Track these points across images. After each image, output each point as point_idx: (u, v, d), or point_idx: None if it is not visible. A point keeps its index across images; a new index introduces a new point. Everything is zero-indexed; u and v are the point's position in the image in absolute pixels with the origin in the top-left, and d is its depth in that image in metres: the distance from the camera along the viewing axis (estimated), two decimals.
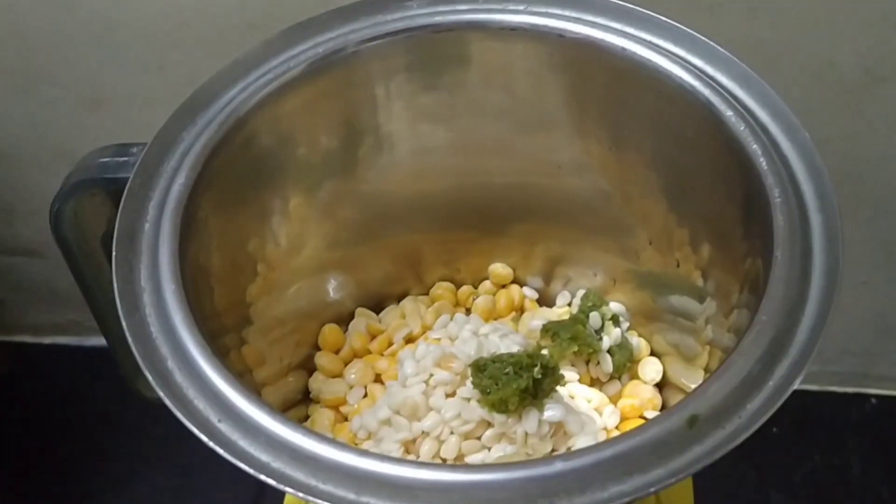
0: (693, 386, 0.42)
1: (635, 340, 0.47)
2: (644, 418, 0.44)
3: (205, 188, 0.37)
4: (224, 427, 0.31)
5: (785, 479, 0.72)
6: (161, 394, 0.31)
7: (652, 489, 0.28)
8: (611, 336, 0.45)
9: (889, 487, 0.71)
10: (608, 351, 0.45)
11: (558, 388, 0.40)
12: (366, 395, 0.45)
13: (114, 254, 0.35)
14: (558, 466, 0.28)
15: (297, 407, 0.47)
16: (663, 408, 0.45)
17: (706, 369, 0.42)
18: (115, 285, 0.34)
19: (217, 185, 0.38)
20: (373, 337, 0.48)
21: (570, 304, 0.50)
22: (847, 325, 0.71)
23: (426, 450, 0.39)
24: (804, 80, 0.56)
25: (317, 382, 0.47)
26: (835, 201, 0.34)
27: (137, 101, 0.62)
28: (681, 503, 0.48)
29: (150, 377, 0.32)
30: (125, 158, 0.39)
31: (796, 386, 0.30)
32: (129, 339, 0.33)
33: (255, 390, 0.40)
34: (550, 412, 0.39)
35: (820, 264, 0.33)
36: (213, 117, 0.38)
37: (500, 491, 0.28)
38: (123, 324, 0.33)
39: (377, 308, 0.50)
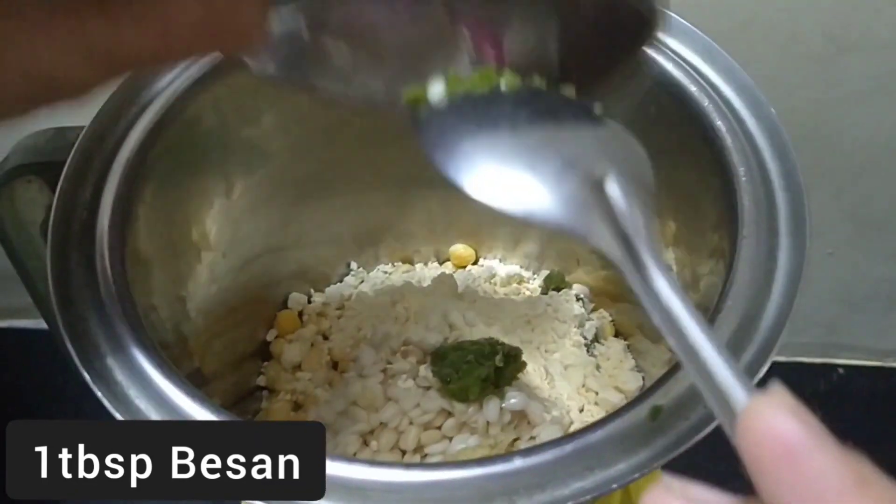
0: (658, 367, 0.42)
1: (599, 322, 0.46)
2: None
3: (145, 174, 0.35)
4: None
5: None
6: (99, 393, 0.30)
7: (615, 485, 0.27)
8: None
9: None
10: None
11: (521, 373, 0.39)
12: (323, 384, 0.44)
13: (49, 245, 0.33)
14: (517, 463, 0.27)
15: (254, 395, 0.45)
16: None
17: (672, 350, 0.41)
18: (50, 278, 0.32)
19: (157, 170, 0.36)
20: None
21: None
22: (814, 296, 0.71)
23: (384, 441, 0.38)
24: (770, 50, 0.55)
25: (273, 370, 0.45)
26: (801, 180, 0.33)
27: None
28: (649, 475, 0.48)
29: (86, 376, 0.30)
30: (62, 143, 0.37)
31: (762, 374, 0.29)
32: (65, 336, 0.31)
33: (204, 382, 0.38)
34: (512, 400, 0.37)
35: (786, 245, 0.32)
36: (152, 99, 0.36)
37: (457, 490, 0.27)
38: (58, 319, 0.32)
39: None
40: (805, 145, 0.60)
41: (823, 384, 0.75)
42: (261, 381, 0.45)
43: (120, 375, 0.30)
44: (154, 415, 0.29)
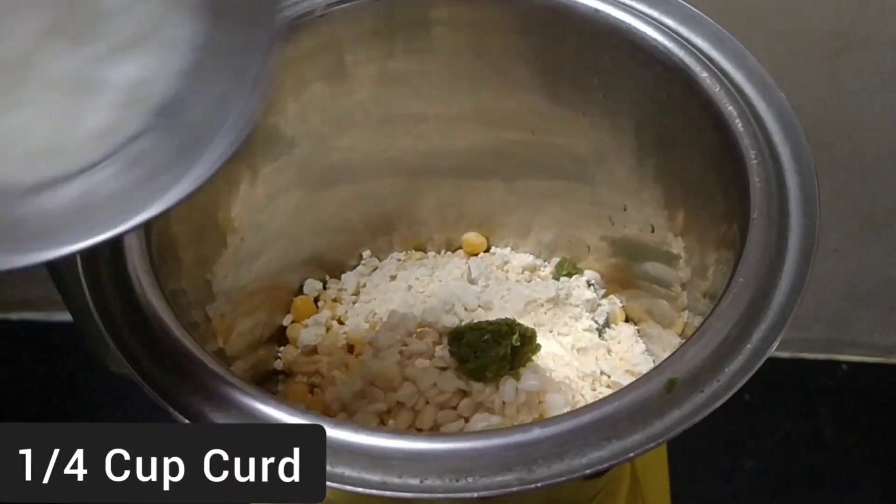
0: (669, 351, 0.42)
1: (610, 307, 0.47)
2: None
3: None
4: (194, 401, 0.30)
5: (756, 445, 0.72)
6: (130, 369, 0.30)
7: (630, 454, 0.28)
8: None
9: (860, 453, 0.71)
10: None
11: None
12: (339, 367, 0.44)
13: None
14: (535, 433, 0.28)
15: (272, 379, 0.46)
16: None
17: (682, 336, 0.41)
18: (79, 259, 0.33)
19: None
20: None
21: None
22: (818, 292, 0.71)
23: (402, 420, 0.38)
24: (776, 46, 0.56)
25: (289, 354, 0.46)
26: (811, 162, 0.34)
27: None
28: (656, 468, 0.48)
29: (117, 351, 0.31)
30: None
31: (775, 348, 0.30)
32: (95, 314, 0.32)
33: (227, 364, 0.39)
34: (528, 381, 0.38)
35: (797, 225, 0.33)
36: None
37: (477, 458, 0.28)
38: (88, 299, 0.32)
39: None
40: (810, 142, 0.60)
41: (827, 380, 0.76)
42: (278, 364, 0.46)
43: (143, 355, 0.31)
44: (182, 389, 0.30)
